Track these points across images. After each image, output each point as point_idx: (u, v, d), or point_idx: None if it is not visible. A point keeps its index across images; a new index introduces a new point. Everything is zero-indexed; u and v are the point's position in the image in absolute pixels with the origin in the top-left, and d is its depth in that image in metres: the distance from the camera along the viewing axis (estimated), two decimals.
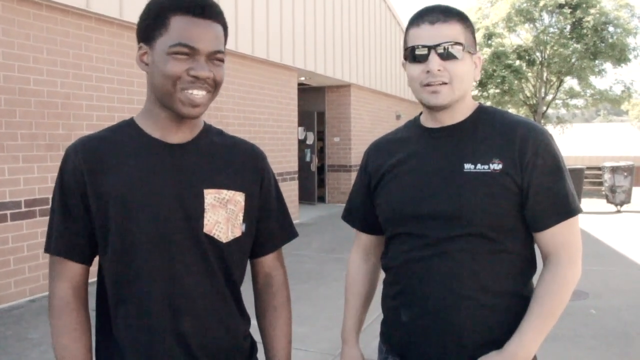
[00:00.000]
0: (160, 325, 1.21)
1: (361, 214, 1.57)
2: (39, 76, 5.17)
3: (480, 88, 20.66)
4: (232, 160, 1.32)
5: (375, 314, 1.55)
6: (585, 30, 18.79)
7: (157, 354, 1.21)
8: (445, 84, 1.31)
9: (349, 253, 1.68)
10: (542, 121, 21.55)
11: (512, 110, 21.58)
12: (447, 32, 1.30)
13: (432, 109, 1.38)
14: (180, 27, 1.15)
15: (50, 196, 1.29)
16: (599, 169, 14.43)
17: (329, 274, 6.16)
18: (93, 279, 1.24)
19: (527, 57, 20.56)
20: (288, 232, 1.44)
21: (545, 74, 20.96)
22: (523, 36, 21.29)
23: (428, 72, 1.31)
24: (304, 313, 4.64)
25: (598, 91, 21.75)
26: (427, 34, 1.31)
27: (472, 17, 20.22)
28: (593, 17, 18.54)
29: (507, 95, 20.85)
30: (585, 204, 12.80)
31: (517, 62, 20.15)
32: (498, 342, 1.30)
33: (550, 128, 23.20)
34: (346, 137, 12.66)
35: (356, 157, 12.58)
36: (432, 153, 1.39)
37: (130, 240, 1.20)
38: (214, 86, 1.21)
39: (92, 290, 1.22)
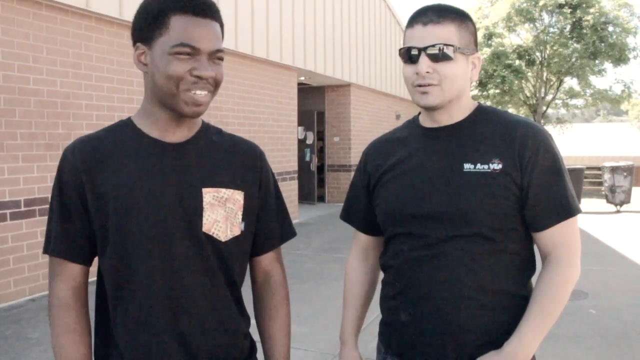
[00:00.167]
0: (159, 324, 1.21)
1: (360, 213, 1.57)
2: (38, 75, 5.17)
3: (480, 88, 20.67)
4: (231, 159, 1.32)
5: (375, 313, 1.55)
6: (585, 30, 18.80)
7: (156, 354, 1.21)
8: (435, 85, 1.31)
9: (348, 253, 1.68)
10: (542, 121, 21.55)
11: (512, 110, 21.59)
12: (438, 34, 1.29)
13: (426, 109, 1.38)
14: (181, 27, 1.15)
15: (50, 195, 1.29)
16: (599, 169, 14.43)
17: (328, 274, 6.16)
18: (93, 278, 1.24)
19: (527, 57, 20.57)
20: (287, 231, 1.44)
21: (545, 74, 20.97)
22: (523, 36, 21.29)
23: (417, 73, 1.31)
24: (304, 313, 4.64)
25: (598, 91, 21.76)
26: (419, 35, 1.31)
27: (472, 17, 20.15)
28: (592, 16, 18.55)
29: (507, 95, 20.86)
30: (585, 204, 12.80)
31: (517, 62, 20.16)
32: (497, 342, 1.30)
33: (550, 128, 23.19)
34: (346, 137, 12.66)
35: (356, 156, 12.57)
36: (431, 153, 1.38)
37: (129, 240, 1.20)
38: (215, 85, 1.21)
39: (92, 290, 1.22)
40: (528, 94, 21.88)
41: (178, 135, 1.27)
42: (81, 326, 1.24)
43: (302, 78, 11.30)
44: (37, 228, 5.17)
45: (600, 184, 14.35)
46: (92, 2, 5.58)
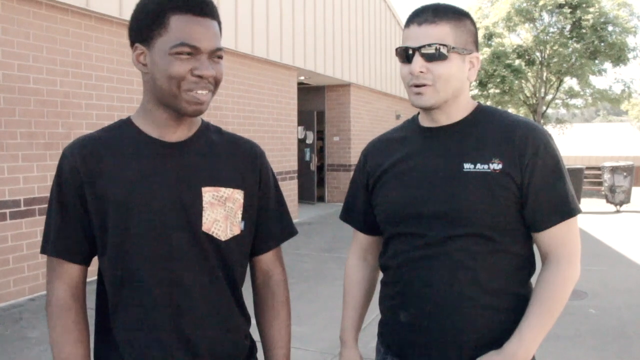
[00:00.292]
0: (159, 324, 1.21)
1: (359, 213, 1.56)
2: (38, 75, 5.16)
3: (480, 88, 20.68)
4: (231, 158, 1.31)
5: (375, 313, 1.55)
6: (584, 30, 18.81)
7: (156, 354, 1.21)
8: (429, 85, 1.31)
9: (348, 252, 1.68)
10: (542, 121, 21.56)
11: (511, 110, 21.60)
12: (432, 33, 1.29)
13: (421, 109, 1.38)
14: (180, 27, 1.14)
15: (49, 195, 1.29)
16: (599, 168, 14.43)
17: (328, 273, 6.16)
18: (92, 277, 1.24)
19: (526, 57, 20.58)
20: (287, 230, 1.43)
21: (544, 74, 20.98)
22: (523, 36, 21.30)
23: (411, 73, 1.31)
24: (304, 312, 4.64)
25: (598, 91, 21.77)
26: (414, 35, 1.31)
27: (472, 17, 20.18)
28: (592, 16, 18.56)
29: (507, 95, 20.87)
30: (585, 203, 12.80)
31: (517, 62, 20.17)
32: (497, 342, 1.30)
33: (549, 128, 23.21)
34: (346, 137, 12.66)
35: (356, 156, 12.56)
36: (430, 152, 1.38)
37: (128, 240, 1.19)
38: (215, 84, 1.21)
39: (92, 289, 1.22)
40: (528, 94, 21.89)
41: (178, 134, 1.26)
42: (80, 326, 1.24)
43: (302, 78, 11.30)
44: (36, 227, 5.16)
45: (600, 183, 14.35)
46: (92, 2, 5.57)
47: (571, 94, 22.66)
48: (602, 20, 18.93)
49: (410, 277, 1.37)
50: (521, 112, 22.34)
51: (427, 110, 1.37)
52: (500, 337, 1.30)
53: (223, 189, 1.26)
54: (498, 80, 19.85)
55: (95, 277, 1.30)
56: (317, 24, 10.59)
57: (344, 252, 6.88)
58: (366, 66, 13.14)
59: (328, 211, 11.30)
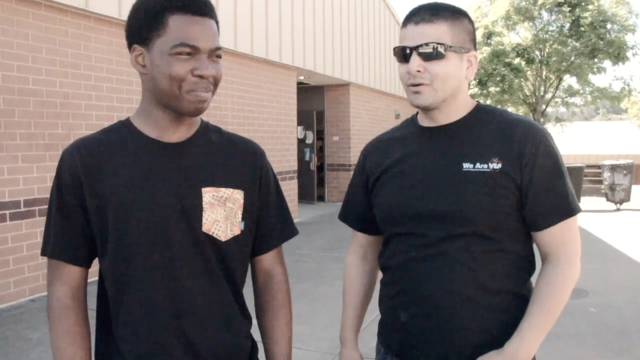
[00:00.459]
0: (160, 325, 1.21)
1: (359, 213, 1.56)
2: (37, 76, 5.16)
3: (480, 87, 20.69)
4: (231, 158, 1.31)
5: (375, 313, 1.55)
6: (583, 28, 18.82)
7: (157, 354, 1.21)
8: (427, 84, 1.31)
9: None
10: (542, 120, 21.56)
11: (511, 109, 21.61)
12: (429, 32, 1.29)
13: (420, 108, 1.38)
14: (180, 27, 1.14)
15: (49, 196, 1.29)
16: (599, 167, 14.43)
17: (328, 273, 6.16)
18: (93, 278, 1.24)
19: (526, 56, 20.58)
20: (288, 229, 1.42)
21: (544, 72, 20.98)
22: (522, 34, 21.31)
23: (409, 72, 1.31)
24: (304, 312, 4.64)
25: (597, 89, 21.77)
26: (411, 34, 1.31)
27: (471, 16, 20.20)
28: (590, 13, 18.57)
29: (507, 94, 20.88)
30: (585, 202, 12.81)
31: (517, 61, 20.18)
32: (497, 342, 1.30)
33: (549, 127, 23.20)
34: (345, 136, 12.66)
35: (355, 156, 12.56)
36: (430, 152, 1.38)
37: (129, 241, 1.19)
38: (215, 84, 1.21)
39: (92, 290, 1.22)
40: (527, 93, 21.89)
41: (177, 135, 1.26)
42: (80, 328, 1.24)
43: (302, 77, 11.30)
44: (36, 228, 5.16)
45: (600, 182, 14.35)
46: (91, 2, 5.57)
47: (571, 92, 22.67)
48: (600, 18, 18.93)
49: (409, 277, 1.37)
50: (521, 111, 22.35)
51: (426, 109, 1.37)
52: (500, 337, 1.30)
53: (223, 189, 1.26)
54: (498, 79, 19.86)
55: (96, 278, 1.29)
56: (317, 24, 10.59)
57: (344, 252, 6.88)
58: (365, 65, 13.14)
59: (328, 211, 11.31)
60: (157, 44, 1.16)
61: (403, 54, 1.33)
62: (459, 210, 1.30)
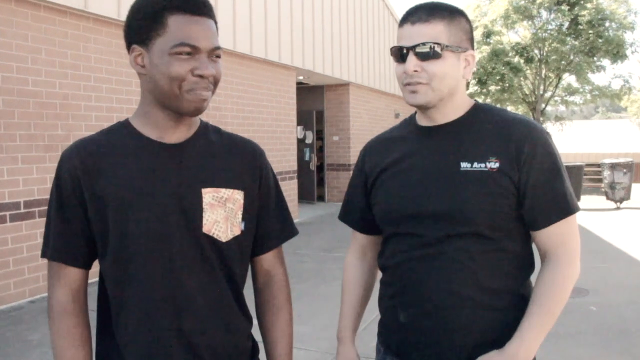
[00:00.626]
0: (161, 325, 1.21)
1: (358, 213, 1.56)
2: (37, 77, 5.16)
3: (479, 86, 20.69)
4: (230, 159, 1.31)
5: (375, 313, 1.55)
6: (581, 26, 18.83)
7: (158, 354, 1.21)
8: (424, 84, 1.31)
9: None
10: (541, 118, 21.56)
11: (510, 108, 21.62)
12: (426, 32, 1.29)
13: (417, 107, 1.38)
14: (179, 26, 1.14)
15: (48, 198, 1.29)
16: (598, 165, 14.42)
17: (328, 273, 6.16)
18: (93, 279, 1.24)
19: (525, 55, 20.59)
20: (288, 229, 1.42)
21: (543, 71, 20.99)
22: (521, 33, 21.32)
23: (405, 72, 1.31)
24: (304, 312, 4.64)
25: (597, 87, 21.77)
26: (408, 34, 1.31)
27: (470, 15, 20.26)
28: (589, 11, 18.58)
29: (506, 93, 20.89)
30: (585, 200, 12.81)
31: (516, 60, 20.18)
32: (496, 342, 1.29)
33: (548, 125, 23.20)
34: (345, 136, 12.66)
35: (355, 155, 12.56)
36: (428, 152, 1.38)
37: (129, 242, 1.19)
38: (214, 83, 1.21)
39: (93, 291, 1.22)
40: (527, 91, 21.89)
41: (177, 135, 1.26)
42: (81, 330, 1.24)
43: (301, 77, 11.30)
44: (36, 230, 5.17)
45: (600, 180, 14.34)
46: (91, 3, 5.57)
47: (570, 90, 22.67)
48: (599, 16, 18.94)
49: (409, 277, 1.37)
50: (520, 110, 22.36)
51: (423, 108, 1.37)
52: (499, 336, 1.30)
53: (223, 189, 1.26)
54: (497, 78, 19.87)
55: (97, 279, 1.30)
56: (316, 24, 10.59)
57: (343, 252, 6.87)
58: (365, 65, 13.14)
59: (328, 211, 11.31)
60: (157, 44, 1.16)
61: (400, 54, 1.33)
62: (458, 210, 1.30)
